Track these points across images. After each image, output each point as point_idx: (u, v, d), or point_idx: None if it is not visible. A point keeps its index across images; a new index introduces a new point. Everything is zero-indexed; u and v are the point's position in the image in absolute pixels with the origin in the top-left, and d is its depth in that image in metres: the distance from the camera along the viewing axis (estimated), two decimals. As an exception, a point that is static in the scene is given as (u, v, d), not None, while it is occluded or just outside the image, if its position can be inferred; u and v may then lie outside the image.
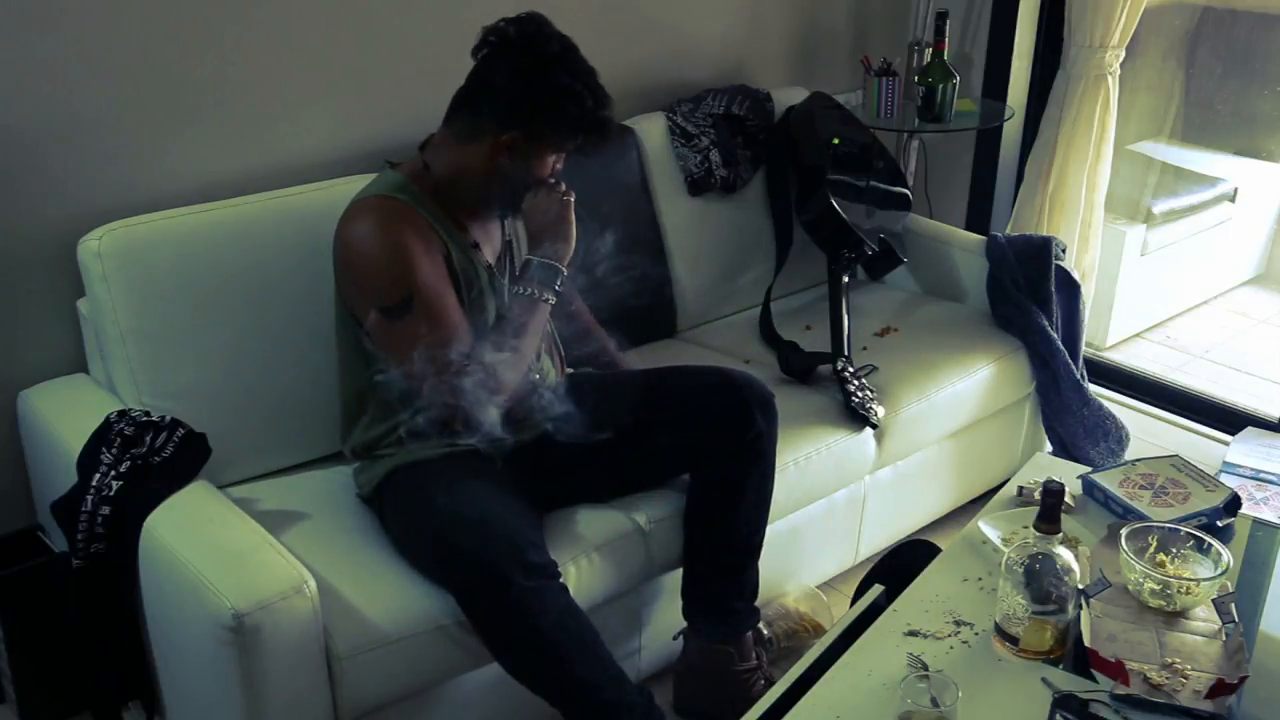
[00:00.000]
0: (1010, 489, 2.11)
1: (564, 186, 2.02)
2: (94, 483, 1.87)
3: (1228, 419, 3.27)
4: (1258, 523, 2.01)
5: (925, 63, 3.13)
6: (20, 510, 2.26)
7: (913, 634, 1.72)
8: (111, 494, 1.86)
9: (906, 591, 1.82)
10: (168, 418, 1.97)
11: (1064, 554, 1.63)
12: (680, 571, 2.21)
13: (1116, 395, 3.43)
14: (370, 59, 2.43)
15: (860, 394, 2.46)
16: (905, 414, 2.55)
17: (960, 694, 1.48)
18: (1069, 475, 2.11)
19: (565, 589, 1.90)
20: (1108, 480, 2.06)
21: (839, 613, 2.43)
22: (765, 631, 2.33)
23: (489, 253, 2.08)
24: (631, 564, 2.12)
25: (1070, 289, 2.88)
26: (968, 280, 3.00)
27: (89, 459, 1.92)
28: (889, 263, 2.92)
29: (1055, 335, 2.82)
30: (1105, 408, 2.93)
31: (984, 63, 3.41)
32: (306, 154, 2.39)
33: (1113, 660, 1.59)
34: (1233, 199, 4.21)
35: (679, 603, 2.21)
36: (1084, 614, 1.66)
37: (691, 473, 2.17)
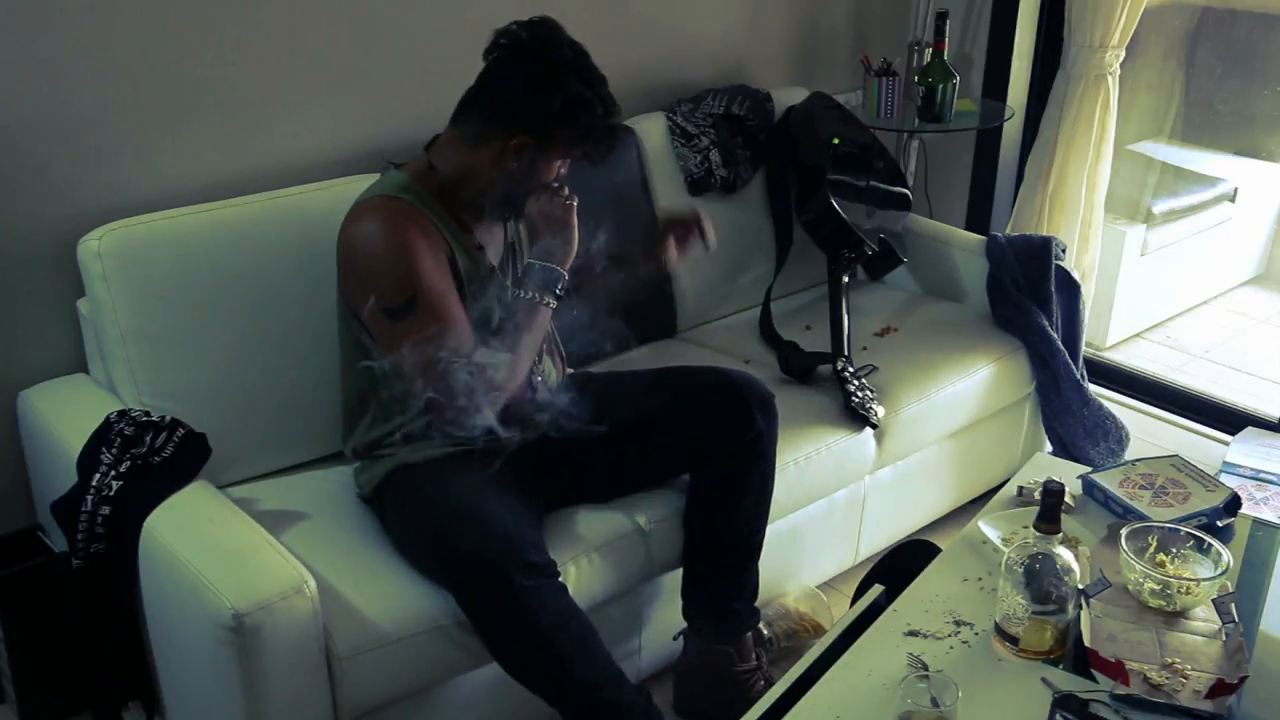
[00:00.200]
0: (1010, 489, 2.11)
1: (567, 191, 2.02)
2: (94, 483, 1.87)
3: (1228, 419, 3.27)
4: (1258, 523, 2.01)
5: (925, 63, 3.13)
6: (20, 510, 2.26)
7: (913, 634, 1.72)
8: (111, 494, 1.86)
9: (906, 591, 1.82)
10: (168, 418, 1.97)
11: (1064, 554, 1.63)
12: (680, 571, 2.21)
13: (1116, 395, 3.43)
14: (371, 59, 2.43)
15: (860, 394, 2.46)
16: (905, 414, 2.55)
17: (960, 694, 1.48)
18: (1069, 475, 2.11)
19: (565, 589, 1.90)
20: (1108, 480, 2.06)
21: (839, 613, 2.43)
22: (765, 632, 2.33)
23: (493, 254, 2.08)
24: (631, 564, 2.12)
25: (1070, 289, 2.88)
26: (968, 280, 3.00)
27: (89, 459, 1.92)
28: (889, 263, 2.92)
29: (1055, 335, 2.81)
30: (1105, 408, 2.93)
31: (984, 63, 3.40)
32: (307, 154, 2.38)
33: (1113, 660, 1.59)
34: (1233, 199, 4.21)
35: (679, 603, 2.21)
36: (1084, 614, 1.66)
37: (691, 473, 2.17)
